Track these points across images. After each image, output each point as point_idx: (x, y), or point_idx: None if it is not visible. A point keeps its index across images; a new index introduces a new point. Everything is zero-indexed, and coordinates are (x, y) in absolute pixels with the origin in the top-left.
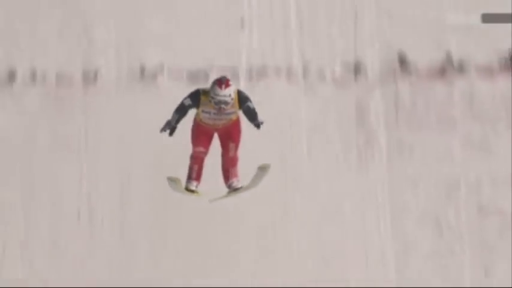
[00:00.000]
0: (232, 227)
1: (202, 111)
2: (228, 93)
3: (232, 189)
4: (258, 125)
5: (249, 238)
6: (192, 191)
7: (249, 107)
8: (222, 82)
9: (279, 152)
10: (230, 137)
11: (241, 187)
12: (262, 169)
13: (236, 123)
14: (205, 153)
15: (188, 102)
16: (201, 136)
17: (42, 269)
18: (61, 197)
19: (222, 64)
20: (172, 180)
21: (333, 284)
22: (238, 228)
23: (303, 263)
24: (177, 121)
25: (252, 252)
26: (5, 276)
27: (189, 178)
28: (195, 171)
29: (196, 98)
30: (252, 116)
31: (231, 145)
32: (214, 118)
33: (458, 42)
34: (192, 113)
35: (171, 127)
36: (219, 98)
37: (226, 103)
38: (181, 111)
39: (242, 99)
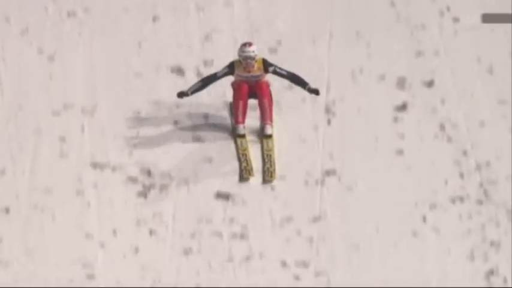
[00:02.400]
0: None
1: (237, 75)
2: (252, 50)
3: (263, 135)
4: (310, 89)
5: None
6: (243, 136)
7: (275, 70)
8: (246, 43)
9: None
10: (260, 79)
11: (270, 135)
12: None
13: (266, 81)
14: (248, 87)
15: (223, 71)
16: (240, 82)
17: None
18: None
19: None
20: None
21: None
22: None
23: None
24: (196, 90)
25: None
26: None
27: (237, 122)
28: (240, 111)
29: (231, 65)
30: (294, 79)
31: (261, 79)
32: (246, 80)
33: None
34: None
35: (185, 94)
36: (245, 54)
37: (251, 58)
38: (207, 79)
39: (266, 65)
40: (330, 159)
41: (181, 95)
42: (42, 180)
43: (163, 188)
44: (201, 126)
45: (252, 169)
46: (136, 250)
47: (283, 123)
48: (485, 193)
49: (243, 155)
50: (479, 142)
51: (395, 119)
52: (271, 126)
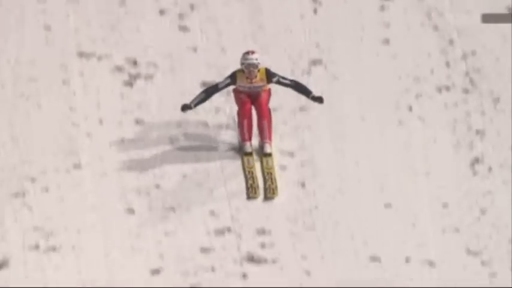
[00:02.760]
0: None
1: (239, 85)
2: (255, 58)
3: (263, 153)
4: (314, 97)
5: None
6: (250, 154)
7: (279, 80)
8: (249, 51)
9: None
10: (261, 94)
11: (270, 153)
12: None
13: (267, 91)
14: (250, 102)
15: (225, 82)
16: (242, 95)
17: None
18: None
19: None
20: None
21: None
22: None
23: None
24: (199, 102)
25: None
26: None
27: (243, 140)
28: (246, 130)
29: (233, 75)
30: (298, 88)
31: (262, 94)
32: (248, 92)
33: None
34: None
35: (188, 107)
36: (248, 61)
37: (254, 66)
38: (210, 90)
39: (269, 75)
40: (316, 49)
41: (184, 108)
42: (27, 69)
43: (148, 77)
44: (187, 14)
45: (258, 187)
46: (123, 139)
47: (269, 12)
48: (471, 82)
49: (249, 172)
50: (466, 31)
51: (382, 8)
52: (270, 144)
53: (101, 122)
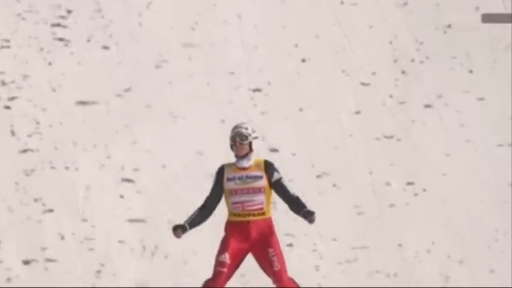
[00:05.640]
0: None
1: (227, 179)
2: (244, 127)
3: None
4: (309, 215)
5: None
6: None
7: (281, 181)
8: (240, 123)
9: None
10: (265, 241)
11: None
12: None
13: (269, 221)
14: (228, 267)
15: (214, 180)
16: (229, 240)
17: None
18: None
19: None
20: None
21: None
22: None
23: None
24: (193, 221)
25: None
26: None
27: None
28: None
29: (220, 169)
30: (295, 201)
31: (270, 251)
32: (240, 187)
33: None
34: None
35: (183, 228)
36: (236, 130)
37: (241, 135)
38: (203, 206)
39: (270, 168)
40: None
41: (177, 229)
42: None
43: None
44: None
45: None
46: None
47: None
48: None
49: None
50: None
51: None
52: None
53: None
